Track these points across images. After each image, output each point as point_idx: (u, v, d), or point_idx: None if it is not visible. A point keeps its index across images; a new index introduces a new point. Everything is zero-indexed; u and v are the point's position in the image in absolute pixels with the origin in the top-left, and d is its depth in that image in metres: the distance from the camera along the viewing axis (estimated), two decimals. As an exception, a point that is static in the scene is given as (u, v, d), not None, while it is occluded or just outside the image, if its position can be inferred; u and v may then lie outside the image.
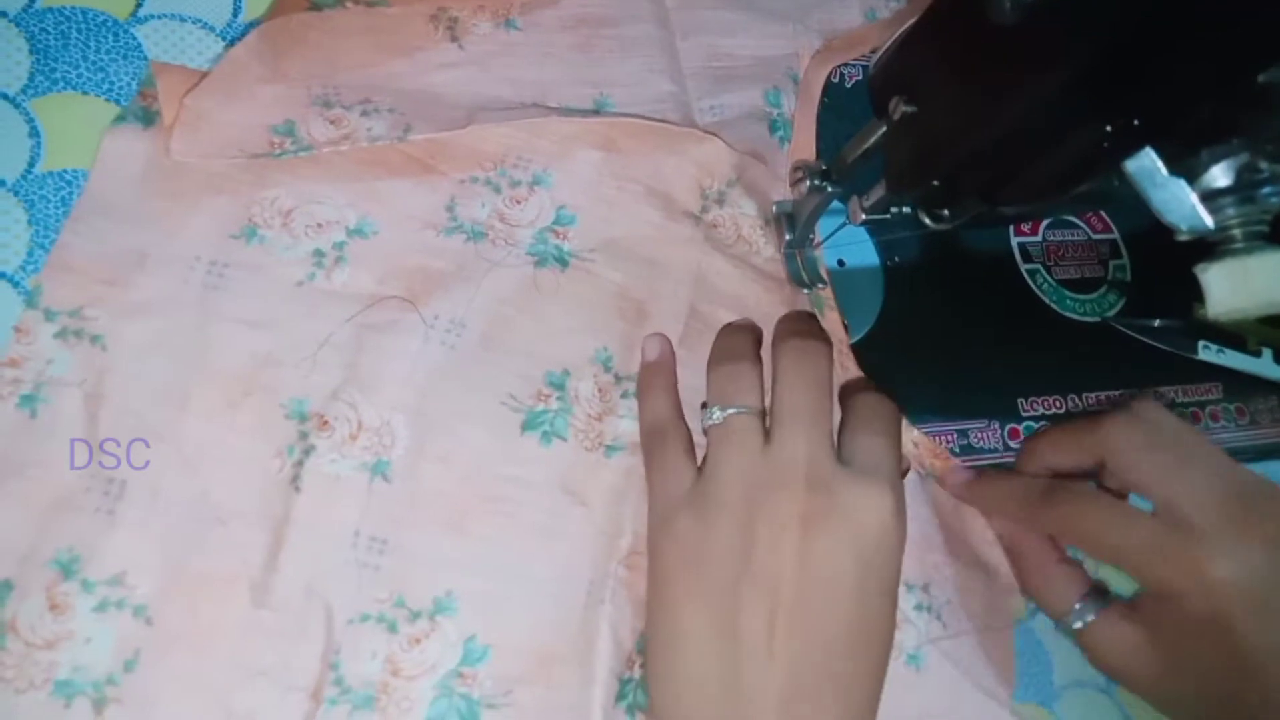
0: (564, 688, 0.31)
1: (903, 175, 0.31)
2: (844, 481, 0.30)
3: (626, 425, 0.35)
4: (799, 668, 0.28)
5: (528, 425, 0.33)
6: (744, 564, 0.29)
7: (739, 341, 0.34)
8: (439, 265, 0.34)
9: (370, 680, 0.30)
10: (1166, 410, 0.34)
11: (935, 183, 0.30)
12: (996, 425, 0.41)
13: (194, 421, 0.30)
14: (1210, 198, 0.24)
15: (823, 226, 0.39)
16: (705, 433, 0.32)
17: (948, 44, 0.28)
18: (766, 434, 0.31)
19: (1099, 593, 0.34)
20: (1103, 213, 0.47)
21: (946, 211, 0.31)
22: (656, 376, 0.35)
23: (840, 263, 0.41)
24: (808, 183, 0.36)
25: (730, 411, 0.31)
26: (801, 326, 0.34)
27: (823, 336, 0.34)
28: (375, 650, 0.30)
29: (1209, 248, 0.25)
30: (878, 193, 0.32)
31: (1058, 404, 0.42)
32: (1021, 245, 0.45)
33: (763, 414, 0.32)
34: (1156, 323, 0.45)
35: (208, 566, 0.29)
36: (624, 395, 0.35)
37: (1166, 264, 0.42)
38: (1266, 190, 0.24)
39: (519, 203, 0.36)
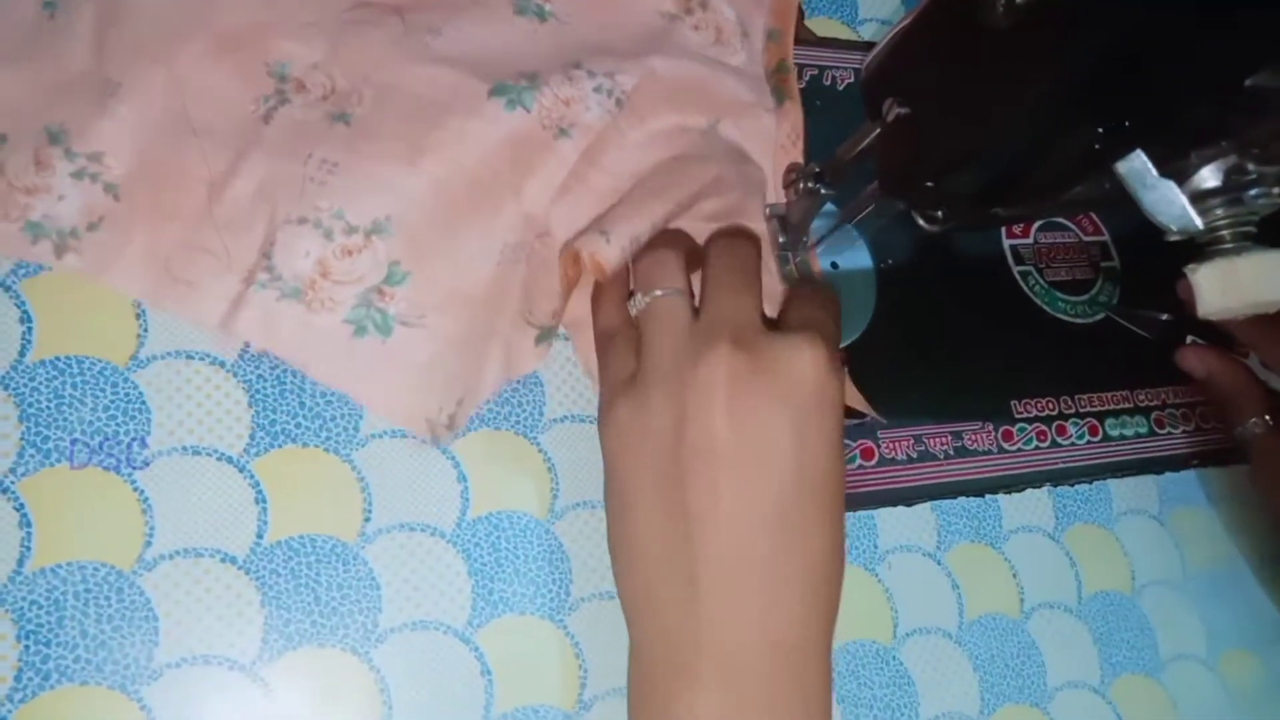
0: (472, 321, 0.34)
1: (896, 177, 0.31)
2: (771, 340, 0.29)
3: (592, 115, 0.36)
4: (747, 530, 0.27)
5: (496, 92, 0.35)
6: (680, 434, 0.28)
7: (665, 236, 0.34)
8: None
9: (300, 275, 0.32)
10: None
11: (929, 184, 0.30)
12: (990, 426, 0.41)
13: (188, 58, 0.33)
14: (1199, 199, 0.24)
15: (816, 229, 0.39)
16: (637, 323, 0.32)
17: (941, 47, 0.28)
18: (696, 312, 0.31)
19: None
20: (1094, 215, 0.48)
21: (940, 213, 0.32)
22: (609, 288, 0.35)
23: (834, 265, 0.41)
24: (801, 185, 0.36)
25: (656, 294, 0.31)
26: (730, 229, 0.35)
27: (751, 234, 0.34)
28: (309, 251, 0.32)
29: (1198, 249, 0.26)
30: (871, 194, 0.33)
31: (1050, 405, 0.43)
32: (1013, 247, 0.45)
33: (690, 294, 0.31)
34: (1164, 316, 0.46)
35: (176, 164, 0.33)
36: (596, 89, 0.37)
37: (1156, 266, 0.42)
38: (1254, 192, 0.24)
39: None
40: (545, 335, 0.35)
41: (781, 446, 0.28)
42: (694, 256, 0.34)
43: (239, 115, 0.34)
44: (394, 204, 0.33)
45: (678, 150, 0.38)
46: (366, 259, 0.33)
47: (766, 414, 0.28)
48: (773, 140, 0.40)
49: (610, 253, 0.34)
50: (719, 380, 0.28)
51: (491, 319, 0.34)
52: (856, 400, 0.38)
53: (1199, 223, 0.24)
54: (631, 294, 0.32)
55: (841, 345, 0.39)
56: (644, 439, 0.29)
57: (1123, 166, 0.24)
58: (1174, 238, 0.25)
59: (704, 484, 0.28)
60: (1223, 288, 0.25)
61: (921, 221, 0.32)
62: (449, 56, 0.36)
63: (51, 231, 0.31)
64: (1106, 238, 0.47)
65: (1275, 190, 0.24)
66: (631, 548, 0.29)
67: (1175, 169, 0.24)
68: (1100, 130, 0.24)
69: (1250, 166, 0.24)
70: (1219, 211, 0.25)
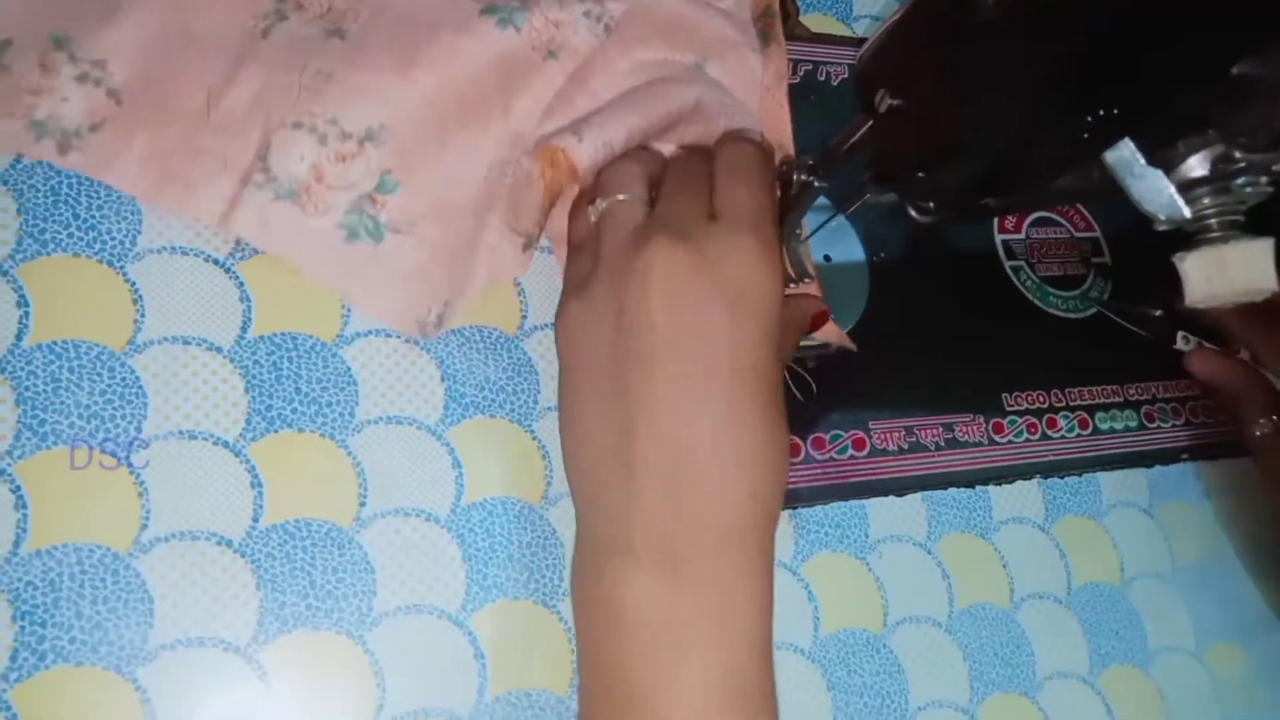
0: (461, 230, 0.35)
1: (888, 169, 0.32)
2: (708, 233, 0.30)
3: (579, 39, 0.37)
4: (683, 417, 0.28)
5: (487, 10, 0.36)
6: (619, 325, 0.29)
7: (634, 151, 0.35)
8: None
9: (295, 177, 0.33)
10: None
11: (920, 175, 0.31)
12: (981, 419, 0.41)
13: None
14: (1187, 188, 0.25)
15: (810, 221, 0.40)
16: (596, 228, 0.33)
17: (932, 37, 0.28)
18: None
19: None
20: (1086, 211, 0.48)
21: (931, 204, 0.32)
22: (584, 201, 0.35)
23: (826, 258, 0.41)
24: (795, 178, 0.36)
25: (617, 198, 0.32)
26: (689, 146, 0.36)
27: (708, 150, 0.35)
28: (304, 154, 0.33)
29: (1187, 238, 0.26)
30: (864, 186, 0.33)
31: (1041, 398, 0.43)
32: (1005, 242, 0.46)
33: (649, 202, 0.32)
34: (1156, 312, 0.46)
35: (176, 74, 0.34)
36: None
37: (1148, 262, 0.42)
38: (1241, 180, 0.24)
39: None
40: (531, 243, 0.37)
41: (716, 336, 0.28)
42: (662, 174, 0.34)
43: (238, 31, 0.35)
44: (386, 113, 0.34)
45: (663, 77, 0.39)
46: (359, 166, 0.34)
47: (702, 305, 0.28)
48: (758, 81, 0.40)
49: (582, 150, 0.35)
50: (656, 273, 0.29)
51: (479, 228, 0.36)
52: (832, 333, 0.38)
53: (1186, 212, 0.24)
54: (593, 200, 0.33)
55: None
56: (587, 330, 0.30)
57: (1111, 156, 0.24)
58: (1162, 227, 0.25)
59: (641, 373, 0.28)
60: (1209, 276, 0.25)
61: (913, 213, 0.32)
62: None
63: (55, 130, 0.32)
64: (1098, 233, 0.48)
65: (1263, 179, 0.25)
66: (576, 435, 0.30)
67: (1163, 158, 0.24)
68: (1089, 119, 0.24)
69: (1237, 155, 0.24)
70: (1206, 200, 0.25)
